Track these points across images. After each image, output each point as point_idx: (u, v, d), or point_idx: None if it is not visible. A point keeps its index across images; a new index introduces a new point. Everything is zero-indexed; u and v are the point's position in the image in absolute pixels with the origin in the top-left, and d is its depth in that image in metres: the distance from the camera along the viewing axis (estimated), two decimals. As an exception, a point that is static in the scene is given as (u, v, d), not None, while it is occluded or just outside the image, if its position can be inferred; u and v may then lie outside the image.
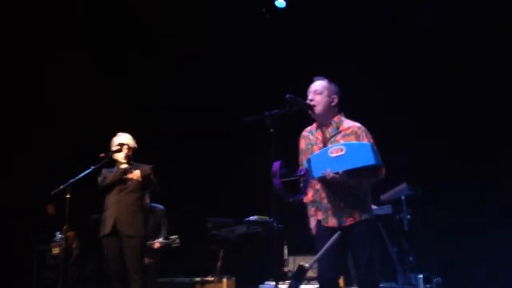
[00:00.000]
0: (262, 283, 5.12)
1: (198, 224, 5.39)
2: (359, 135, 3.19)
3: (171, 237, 5.50)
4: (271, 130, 3.32)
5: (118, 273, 4.32)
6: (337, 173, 3.03)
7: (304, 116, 3.51)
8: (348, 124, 3.29)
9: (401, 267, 5.34)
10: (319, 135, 3.33)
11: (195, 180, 6.73)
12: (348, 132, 3.24)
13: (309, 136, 3.41)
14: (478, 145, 5.68)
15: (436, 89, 5.93)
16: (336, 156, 3.02)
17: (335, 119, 3.31)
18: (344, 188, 3.17)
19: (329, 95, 3.31)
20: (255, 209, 5.22)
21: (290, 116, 3.30)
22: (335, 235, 3.19)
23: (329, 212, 3.23)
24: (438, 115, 5.87)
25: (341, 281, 3.66)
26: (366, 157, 2.95)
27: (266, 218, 5.10)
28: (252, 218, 5.25)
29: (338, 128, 3.29)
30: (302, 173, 3.23)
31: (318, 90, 3.31)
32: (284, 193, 3.15)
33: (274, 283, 4.10)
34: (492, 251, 5.34)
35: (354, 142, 3.16)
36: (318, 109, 3.30)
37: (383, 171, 3.13)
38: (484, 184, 5.57)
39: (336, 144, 3.11)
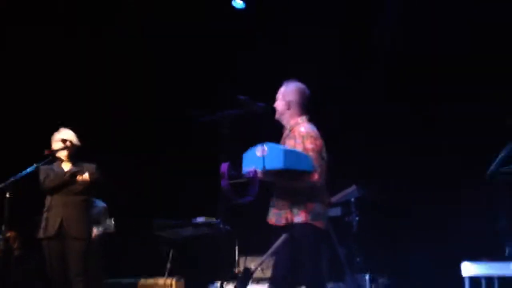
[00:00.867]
0: (212, 284, 5.08)
1: (145, 225, 5.29)
2: (296, 140, 3.24)
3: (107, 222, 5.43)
4: (223, 130, 3.30)
5: (60, 275, 4.21)
6: (256, 171, 3.13)
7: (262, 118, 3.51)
8: (298, 128, 3.32)
9: (349, 268, 5.44)
10: (283, 137, 3.41)
11: (142, 180, 6.61)
12: (292, 135, 3.30)
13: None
14: (424, 148, 5.83)
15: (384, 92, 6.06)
16: (260, 156, 3.10)
17: (292, 122, 3.37)
18: (281, 188, 3.23)
19: (284, 99, 3.37)
20: (203, 210, 5.17)
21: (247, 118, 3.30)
22: (282, 237, 3.19)
23: (272, 211, 3.31)
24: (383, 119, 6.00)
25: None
26: (277, 160, 3.03)
27: (213, 219, 5.06)
28: (199, 219, 5.20)
29: (290, 131, 3.34)
30: (251, 175, 3.21)
31: (278, 95, 3.41)
32: (232, 194, 3.12)
33: (224, 283, 4.05)
34: (438, 250, 5.48)
35: (274, 144, 3.21)
36: (276, 114, 3.40)
37: (314, 176, 3.14)
38: (429, 186, 5.73)
39: (261, 144, 3.16)
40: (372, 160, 5.91)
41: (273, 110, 3.42)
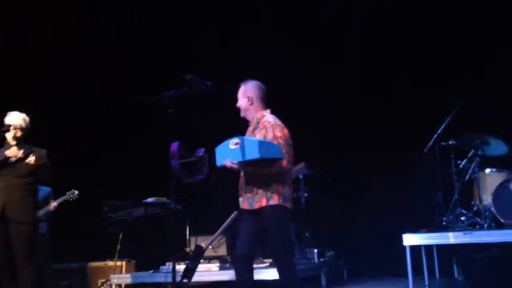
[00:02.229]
0: (163, 264, 5.10)
1: (95, 207, 5.21)
2: (267, 129, 3.44)
3: (68, 192, 5.41)
4: (169, 110, 3.31)
5: (5, 261, 4.10)
6: (234, 163, 3.31)
7: (207, 97, 3.55)
8: (266, 119, 3.52)
9: (298, 243, 5.60)
10: (248, 130, 3.59)
11: (92, 163, 6.49)
12: (261, 126, 3.48)
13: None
14: (373, 127, 6.03)
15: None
16: (234, 149, 3.28)
17: (257, 115, 3.56)
18: (253, 175, 3.41)
19: (245, 96, 3.56)
20: (154, 190, 5.15)
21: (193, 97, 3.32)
22: (232, 215, 3.28)
23: (244, 196, 3.47)
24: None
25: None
26: (253, 151, 3.24)
27: (164, 199, 5.07)
28: (150, 200, 5.19)
29: (258, 123, 3.52)
30: (201, 154, 3.27)
31: (238, 96, 3.59)
32: (182, 174, 3.17)
33: (176, 263, 4.08)
34: (381, 222, 5.72)
35: (248, 137, 3.42)
36: (241, 112, 3.58)
37: (283, 162, 3.37)
38: (372, 162, 5.94)
39: (235, 137, 3.35)
40: (318, 137, 6.06)
41: (238, 109, 3.58)
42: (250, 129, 3.54)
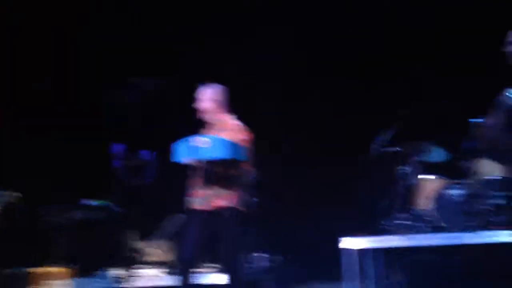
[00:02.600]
0: (106, 269, 4.96)
1: (33, 210, 5.00)
2: (234, 132, 3.50)
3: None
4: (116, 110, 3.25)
5: None
6: (200, 161, 3.34)
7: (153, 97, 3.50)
8: (232, 122, 3.60)
9: (245, 248, 5.57)
10: (206, 132, 3.57)
11: (30, 163, 6.22)
12: (227, 129, 3.53)
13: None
14: (320, 130, 6.12)
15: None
16: (201, 146, 3.29)
17: (221, 118, 3.61)
18: (215, 176, 3.41)
19: (211, 100, 3.61)
20: (96, 193, 5.00)
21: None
22: (177, 218, 3.24)
23: (200, 196, 3.44)
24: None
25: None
26: (224, 151, 3.28)
27: (105, 202, 4.94)
28: (90, 202, 5.04)
29: (222, 126, 3.57)
30: (147, 156, 3.23)
31: (202, 98, 3.63)
32: (126, 176, 3.11)
33: (118, 269, 3.99)
34: (327, 228, 5.78)
35: (217, 137, 3.43)
36: (202, 112, 3.60)
37: (247, 165, 3.47)
38: (321, 168, 6.03)
39: (203, 135, 3.39)
40: (264, 144, 6.07)
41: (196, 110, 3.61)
42: (209, 131, 3.54)
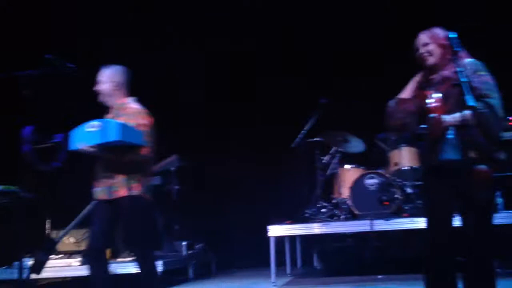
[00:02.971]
0: (21, 259, 4.74)
1: None
2: (131, 116, 3.32)
3: None
4: (25, 91, 3.07)
5: None
6: (92, 146, 3.16)
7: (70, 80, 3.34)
8: (130, 105, 3.40)
9: (167, 236, 5.55)
10: (108, 117, 3.41)
11: None
12: (124, 113, 3.35)
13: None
14: (245, 121, 6.16)
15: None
16: (91, 131, 3.13)
17: (120, 101, 3.43)
18: (113, 163, 3.26)
19: (110, 81, 3.41)
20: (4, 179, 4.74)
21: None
22: (89, 206, 3.14)
23: (102, 185, 3.31)
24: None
25: (108, 252, 3.65)
26: (114, 133, 3.11)
27: (13, 188, 4.67)
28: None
29: (119, 109, 3.39)
30: (58, 140, 3.08)
31: (101, 79, 3.43)
32: (35, 160, 2.96)
33: (29, 258, 3.83)
34: (251, 217, 5.85)
35: (108, 119, 3.28)
36: (101, 97, 3.41)
37: (146, 150, 3.27)
38: (245, 157, 6.08)
39: (95, 120, 3.20)
40: (189, 129, 6.05)
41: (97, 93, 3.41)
42: (109, 116, 3.40)
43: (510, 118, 4.77)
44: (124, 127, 3.15)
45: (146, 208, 3.31)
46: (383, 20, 5.71)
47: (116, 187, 3.26)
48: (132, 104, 3.41)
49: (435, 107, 2.65)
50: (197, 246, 5.81)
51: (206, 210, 6.00)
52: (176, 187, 5.67)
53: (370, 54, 5.69)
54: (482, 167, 2.62)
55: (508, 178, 4.13)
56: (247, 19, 6.08)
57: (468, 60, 2.83)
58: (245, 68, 6.22)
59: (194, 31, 6.27)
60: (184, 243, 5.53)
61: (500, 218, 4.21)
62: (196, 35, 6.25)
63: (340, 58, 5.85)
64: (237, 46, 6.13)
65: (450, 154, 2.72)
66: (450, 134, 2.68)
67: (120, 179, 3.25)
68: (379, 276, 4.60)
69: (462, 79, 2.62)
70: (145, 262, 3.27)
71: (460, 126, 2.71)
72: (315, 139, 5.28)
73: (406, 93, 2.95)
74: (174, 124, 5.89)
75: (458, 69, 2.67)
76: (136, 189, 3.26)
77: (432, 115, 2.68)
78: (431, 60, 2.86)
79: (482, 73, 2.77)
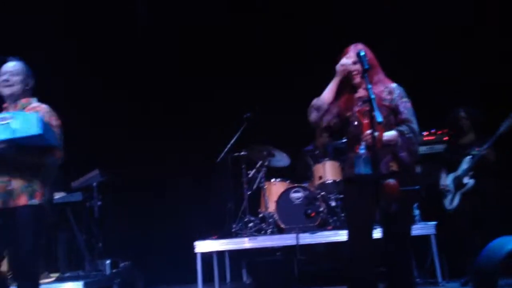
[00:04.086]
0: None
1: None
2: (46, 115, 3.07)
3: None
4: None
5: None
6: (1, 142, 2.83)
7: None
8: (36, 105, 3.17)
9: (89, 254, 5.31)
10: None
11: None
12: (33, 112, 3.07)
13: None
14: (170, 135, 6.06)
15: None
16: (3, 124, 2.80)
17: (23, 101, 3.18)
18: (13, 166, 2.93)
19: (23, 78, 3.17)
20: None
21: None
22: None
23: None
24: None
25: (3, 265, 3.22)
26: (31, 127, 2.79)
27: None
28: None
29: (24, 108, 3.14)
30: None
31: (15, 71, 3.15)
32: None
33: None
34: (176, 232, 5.76)
35: (22, 112, 3.01)
36: (13, 89, 3.11)
37: (58, 153, 3.02)
38: (171, 172, 5.98)
39: (4, 113, 2.93)
40: (113, 143, 5.88)
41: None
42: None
43: (424, 133, 5.05)
44: (43, 122, 2.83)
45: (45, 221, 2.96)
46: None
47: (15, 194, 2.90)
48: (39, 104, 3.14)
49: (377, 124, 2.73)
50: (121, 264, 5.60)
51: (131, 226, 5.82)
52: (99, 203, 5.45)
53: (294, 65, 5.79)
54: (391, 180, 2.73)
55: (423, 190, 4.35)
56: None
57: (393, 84, 3.01)
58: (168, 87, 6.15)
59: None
60: (107, 261, 5.31)
61: (417, 229, 4.41)
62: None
63: (266, 70, 5.91)
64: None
65: (363, 168, 2.80)
66: (362, 149, 2.77)
67: (20, 185, 2.90)
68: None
69: (371, 96, 2.74)
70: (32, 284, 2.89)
71: (386, 144, 2.83)
72: (240, 153, 5.28)
73: (331, 93, 3.01)
74: (94, 135, 5.73)
75: (368, 86, 2.79)
76: (38, 198, 2.92)
77: (372, 132, 2.74)
78: (356, 80, 2.96)
79: (405, 99, 2.99)
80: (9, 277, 3.14)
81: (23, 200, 2.91)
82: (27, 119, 2.80)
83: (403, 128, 2.89)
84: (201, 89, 6.02)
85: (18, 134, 2.78)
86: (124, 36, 6.02)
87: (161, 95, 6.14)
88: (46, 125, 2.89)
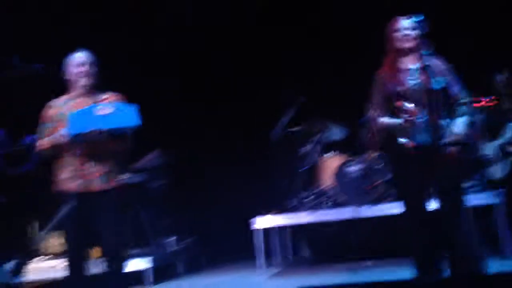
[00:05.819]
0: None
1: None
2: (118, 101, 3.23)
3: None
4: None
5: None
6: (101, 131, 3.01)
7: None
8: (109, 94, 3.31)
9: (154, 233, 5.52)
10: (82, 102, 3.19)
11: None
12: (112, 99, 3.25)
13: (62, 106, 3.23)
14: (226, 118, 6.13)
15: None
16: (103, 114, 2.98)
17: (97, 90, 3.29)
18: (104, 152, 3.12)
19: (95, 67, 3.27)
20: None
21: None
22: (69, 204, 3.06)
23: (92, 176, 3.12)
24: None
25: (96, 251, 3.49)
26: (131, 118, 2.99)
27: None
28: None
29: (101, 95, 3.26)
30: (28, 141, 3.02)
31: (88, 62, 3.24)
32: (2, 164, 2.90)
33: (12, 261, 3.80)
34: (236, 210, 5.84)
35: (122, 103, 3.17)
36: (90, 80, 3.21)
37: (128, 141, 3.19)
38: (228, 152, 6.05)
39: (105, 104, 3.09)
40: (171, 128, 6.01)
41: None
42: (84, 104, 3.15)
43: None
44: (137, 112, 3.02)
45: (127, 200, 3.26)
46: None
47: (107, 177, 3.12)
48: (113, 93, 3.27)
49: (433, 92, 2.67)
50: (185, 241, 5.79)
51: (193, 204, 5.97)
52: (161, 183, 5.63)
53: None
54: (452, 148, 2.63)
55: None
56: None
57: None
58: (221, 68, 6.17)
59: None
60: (172, 238, 5.51)
61: (481, 199, 4.21)
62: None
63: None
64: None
65: (423, 137, 2.72)
66: (420, 118, 2.68)
67: (112, 168, 3.13)
68: (368, 263, 4.59)
69: (426, 63, 2.63)
70: (119, 262, 3.14)
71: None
72: (294, 129, 5.23)
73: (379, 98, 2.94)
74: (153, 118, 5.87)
75: (423, 52, 2.68)
76: (117, 182, 3.17)
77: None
78: (409, 44, 2.85)
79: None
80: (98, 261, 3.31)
81: (112, 183, 3.14)
82: (128, 111, 3.00)
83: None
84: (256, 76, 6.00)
85: (119, 125, 2.98)
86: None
87: (211, 78, 6.18)
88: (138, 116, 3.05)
